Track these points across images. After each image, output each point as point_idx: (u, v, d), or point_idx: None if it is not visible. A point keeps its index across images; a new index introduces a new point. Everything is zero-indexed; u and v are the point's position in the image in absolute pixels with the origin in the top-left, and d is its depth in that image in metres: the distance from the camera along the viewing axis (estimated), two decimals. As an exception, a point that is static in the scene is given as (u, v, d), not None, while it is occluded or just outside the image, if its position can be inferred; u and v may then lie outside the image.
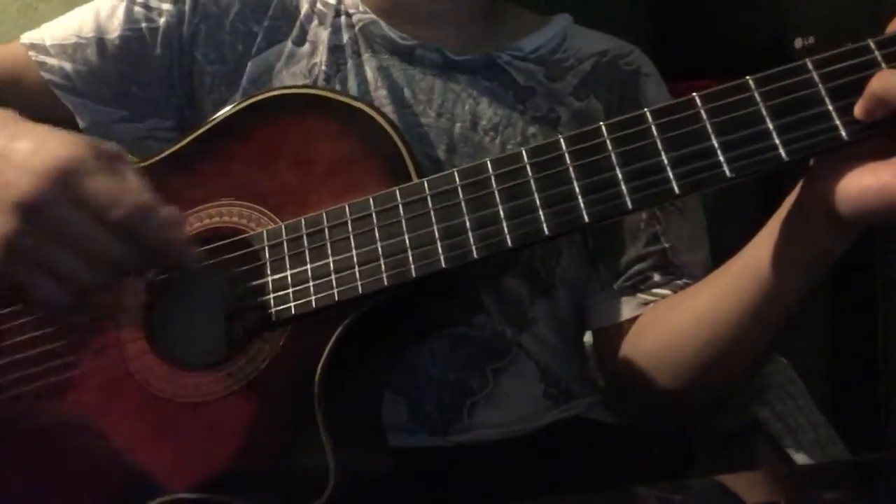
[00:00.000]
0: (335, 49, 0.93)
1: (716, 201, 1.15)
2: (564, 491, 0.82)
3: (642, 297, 0.91)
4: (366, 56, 0.93)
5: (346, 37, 0.94)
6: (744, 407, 0.99)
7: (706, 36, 1.74)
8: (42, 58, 0.94)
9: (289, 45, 0.93)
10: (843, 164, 0.63)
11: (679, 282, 0.91)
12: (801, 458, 0.92)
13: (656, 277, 0.91)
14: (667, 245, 0.92)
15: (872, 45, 0.62)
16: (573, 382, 0.94)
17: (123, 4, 0.94)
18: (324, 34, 0.93)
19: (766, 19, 1.63)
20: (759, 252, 0.74)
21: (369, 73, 0.92)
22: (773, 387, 0.99)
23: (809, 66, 0.63)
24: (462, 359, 0.88)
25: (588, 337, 1.02)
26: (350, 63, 0.92)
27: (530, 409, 0.90)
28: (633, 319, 0.91)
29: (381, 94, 0.91)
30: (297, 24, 0.94)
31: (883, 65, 0.61)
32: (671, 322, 0.86)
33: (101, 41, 0.94)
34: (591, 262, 0.95)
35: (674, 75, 1.01)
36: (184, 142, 0.83)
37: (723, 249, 0.96)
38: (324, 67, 0.92)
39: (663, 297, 0.90)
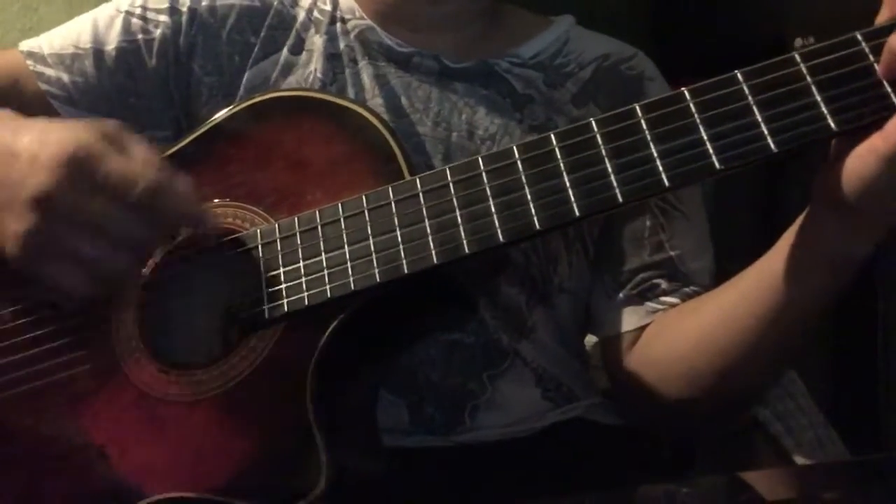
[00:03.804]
0: (331, 57, 0.93)
1: (715, 204, 1.15)
2: (565, 491, 0.82)
3: (650, 305, 0.91)
4: (362, 64, 0.93)
5: (342, 44, 0.93)
6: (744, 408, 0.99)
7: (706, 35, 1.74)
8: (40, 68, 0.93)
9: (285, 54, 0.93)
10: (846, 153, 0.63)
11: (687, 289, 0.91)
12: (801, 458, 0.92)
13: (663, 286, 0.91)
14: (673, 253, 0.92)
15: (859, 38, 0.62)
16: (574, 385, 0.93)
17: (121, 16, 0.94)
18: (319, 42, 0.93)
19: (765, 19, 1.63)
20: (775, 260, 0.74)
21: (367, 82, 0.92)
22: (774, 387, 0.99)
23: (797, 58, 0.63)
24: (459, 364, 0.88)
25: (589, 337, 1.02)
26: (348, 71, 0.92)
27: (531, 412, 0.90)
28: (642, 328, 0.91)
29: (377, 102, 0.90)
30: (294, 32, 0.94)
31: (870, 56, 0.61)
32: (683, 331, 0.86)
33: (98, 52, 0.93)
34: (593, 270, 0.94)
35: (674, 75, 1.01)
36: (179, 145, 0.84)
37: (721, 252, 0.96)
38: (319, 75, 0.92)
39: (671, 304, 0.90)
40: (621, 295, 0.92)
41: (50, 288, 0.71)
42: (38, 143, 0.68)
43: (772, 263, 0.75)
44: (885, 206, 0.64)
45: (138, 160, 0.68)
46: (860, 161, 0.62)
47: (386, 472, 0.76)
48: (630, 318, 0.91)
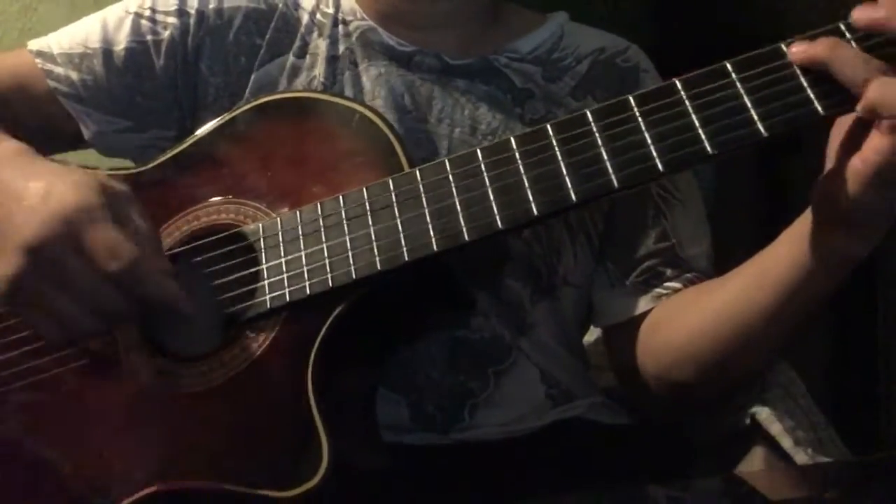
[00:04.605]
0: (332, 60, 0.93)
1: (715, 205, 1.15)
2: (564, 490, 0.82)
3: (656, 291, 0.92)
4: (363, 66, 0.93)
5: (342, 47, 0.94)
6: (744, 407, 0.99)
7: (705, 35, 1.75)
8: (49, 66, 0.94)
9: (291, 58, 0.94)
10: (837, 173, 0.66)
11: (688, 275, 0.93)
12: (801, 458, 0.92)
13: (668, 272, 0.92)
14: (674, 240, 0.93)
15: (843, 27, 0.65)
16: (574, 384, 0.94)
17: (130, 17, 0.95)
18: (322, 46, 0.94)
19: (766, 18, 1.63)
20: (779, 256, 0.77)
21: (366, 83, 0.92)
22: (773, 387, 0.99)
23: (784, 48, 0.66)
24: (462, 361, 0.88)
25: (589, 336, 1.02)
26: (347, 74, 0.93)
27: (531, 410, 0.91)
28: (645, 314, 0.92)
29: (377, 104, 0.91)
30: (299, 36, 0.95)
31: (853, 44, 0.64)
32: (688, 318, 0.88)
33: (107, 52, 0.94)
34: (598, 260, 0.95)
35: (674, 74, 1.01)
36: (183, 145, 0.85)
37: (722, 244, 0.97)
38: (322, 79, 0.92)
39: (675, 290, 0.92)
40: (627, 283, 0.93)
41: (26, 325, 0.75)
42: (44, 194, 0.71)
43: (775, 261, 0.77)
44: (878, 217, 0.67)
45: (131, 234, 0.71)
46: (849, 181, 0.65)
47: (386, 465, 0.77)
48: (636, 305, 0.92)
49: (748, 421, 0.96)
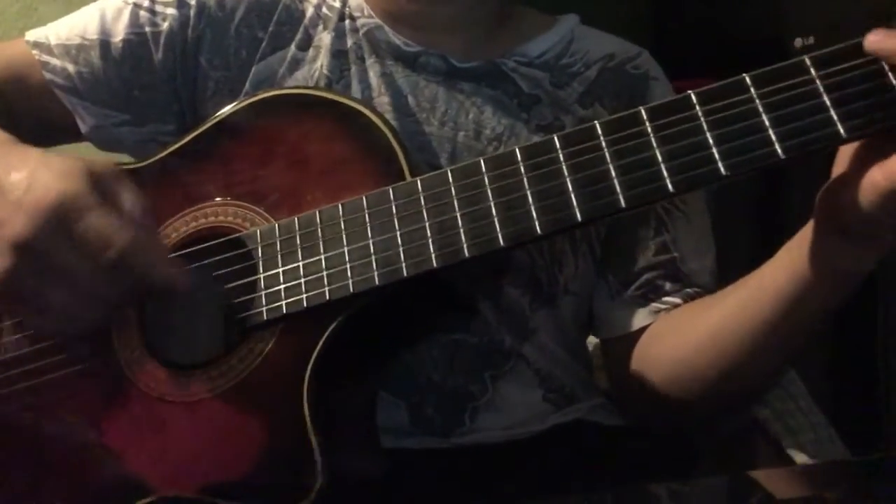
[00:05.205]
0: (338, 54, 0.92)
1: (715, 207, 1.15)
2: (566, 493, 0.82)
3: (654, 305, 0.91)
4: (370, 62, 0.92)
5: (350, 42, 0.93)
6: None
7: (706, 35, 1.75)
8: (45, 57, 0.93)
9: (292, 50, 0.93)
10: (848, 182, 0.64)
11: (689, 290, 0.92)
12: (801, 458, 0.92)
13: (667, 287, 0.92)
14: (676, 254, 0.92)
15: None
16: (576, 387, 0.94)
17: (129, 8, 0.94)
18: (327, 39, 0.93)
19: (766, 19, 1.63)
20: (778, 269, 0.75)
21: (373, 80, 0.91)
22: (774, 386, 0.99)
23: (807, 62, 0.62)
24: (461, 365, 0.88)
25: (593, 338, 1.02)
26: (354, 69, 0.92)
27: (531, 414, 0.90)
28: (644, 328, 0.91)
29: (383, 101, 0.90)
30: (302, 28, 0.94)
31: (883, 62, 0.61)
32: (686, 333, 0.87)
33: (104, 44, 0.93)
34: (599, 271, 0.94)
35: (674, 74, 1.01)
36: (182, 141, 0.84)
37: (722, 251, 0.96)
38: (326, 72, 0.91)
39: (674, 304, 0.91)
40: (626, 295, 0.92)
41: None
42: (27, 184, 0.68)
43: (775, 275, 0.75)
44: (886, 232, 0.65)
45: (122, 214, 0.68)
46: (862, 193, 0.62)
47: (385, 474, 0.76)
48: (634, 319, 0.91)
49: (748, 421, 0.97)
